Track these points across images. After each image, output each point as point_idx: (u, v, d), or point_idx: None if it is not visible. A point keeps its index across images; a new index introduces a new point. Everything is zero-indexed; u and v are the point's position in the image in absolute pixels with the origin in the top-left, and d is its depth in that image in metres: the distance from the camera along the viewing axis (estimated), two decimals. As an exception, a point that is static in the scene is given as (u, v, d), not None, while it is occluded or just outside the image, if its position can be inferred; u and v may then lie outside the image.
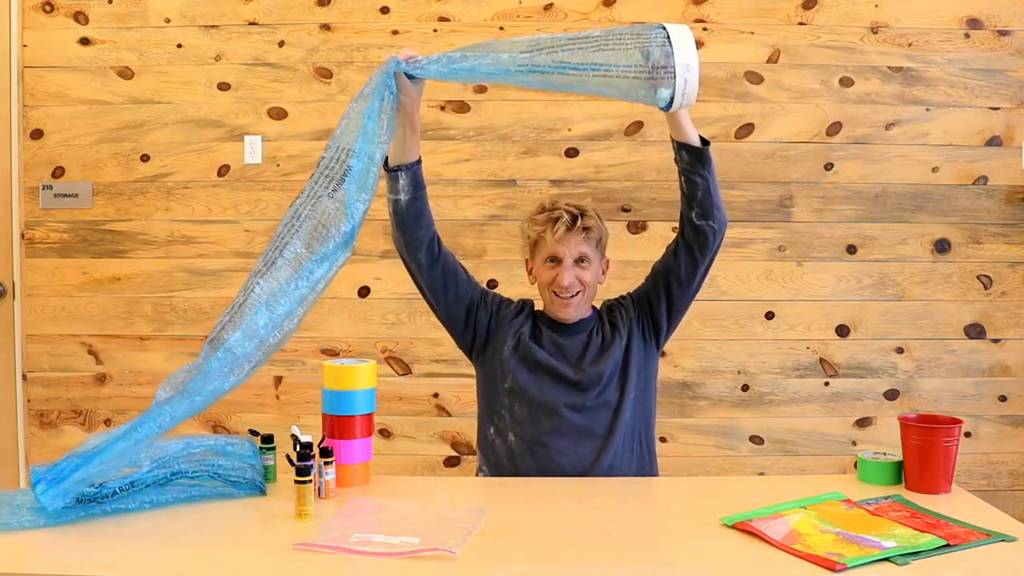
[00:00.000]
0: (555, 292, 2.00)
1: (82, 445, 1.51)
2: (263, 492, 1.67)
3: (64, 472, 1.47)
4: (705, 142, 1.88)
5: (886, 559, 1.33)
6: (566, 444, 1.95)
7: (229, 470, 1.66)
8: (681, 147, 1.88)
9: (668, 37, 1.59)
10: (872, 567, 1.32)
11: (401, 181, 1.89)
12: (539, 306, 2.11)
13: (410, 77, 1.71)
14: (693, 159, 1.87)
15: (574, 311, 2.01)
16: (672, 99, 1.61)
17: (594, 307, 2.11)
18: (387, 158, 1.89)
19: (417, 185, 1.91)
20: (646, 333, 2.05)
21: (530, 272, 2.09)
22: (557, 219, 1.97)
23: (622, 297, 2.11)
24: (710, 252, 1.97)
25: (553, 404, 1.97)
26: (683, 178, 1.91)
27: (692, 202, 1.92)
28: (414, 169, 1.90)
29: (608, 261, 2.09)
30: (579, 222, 1.98)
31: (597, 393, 1.98)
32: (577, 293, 1.99)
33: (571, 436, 1.95)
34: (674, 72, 1.58)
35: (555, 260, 2.00)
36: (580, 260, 1.99)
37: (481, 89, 3.05)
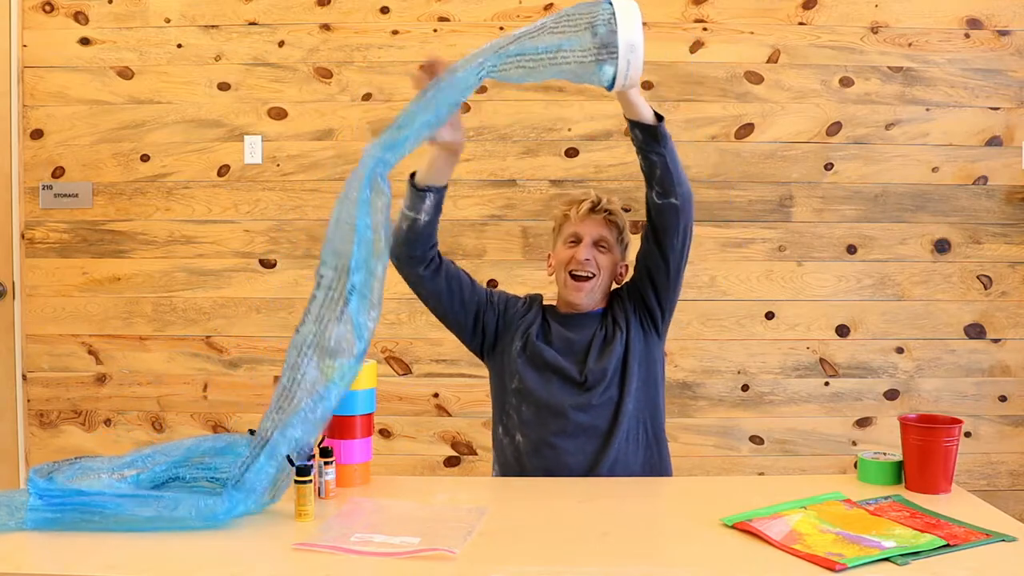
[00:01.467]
0: (571, 273, 2.00)
1: (93, 483, 1.50)
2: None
3: (64, 505, 1.46)
4: (660, 117, 1.83)
5: (886, 559, 1.33)
6: (572, 444, 1.94)
7: (227, 471, 1.65)
8: (634, 126, 1.83)
9: (613, 13, 1.54)
10: (872, 567, 1.31)
11: (427, 202, 1.88)
12: (548, 300, 2.11)
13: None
14: (647, 137, 1.83)
15: (586, 296, 2.01)
16: (614, 78, 1.57)
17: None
18: (415, 173, 1.89)
19: (438, 209, 1.91)
20: (643, 322, 2.03)
21: (550, 263, 2.09)
22: (582, 200, 2.02)
23: (619, 288, 2.11)
24: (678, 231, 1.93)
25: (559, 406, 1.96)
26: (640, 157, 1.88)
27: (652, 181, 1.89)
28: (442, 193, 1.90)
29: (627, 265, 2.08)
30: (602, 204, 2.02)
31: (602, 390, 1.96)
32: (592, 277, 1.99)
33: (577, 436, 1.95)
34: (617, 51, 1.54)
35: (575, 240, 2.01)
36: (600, 243, 2.00)
37: (481, 89, 3.04)
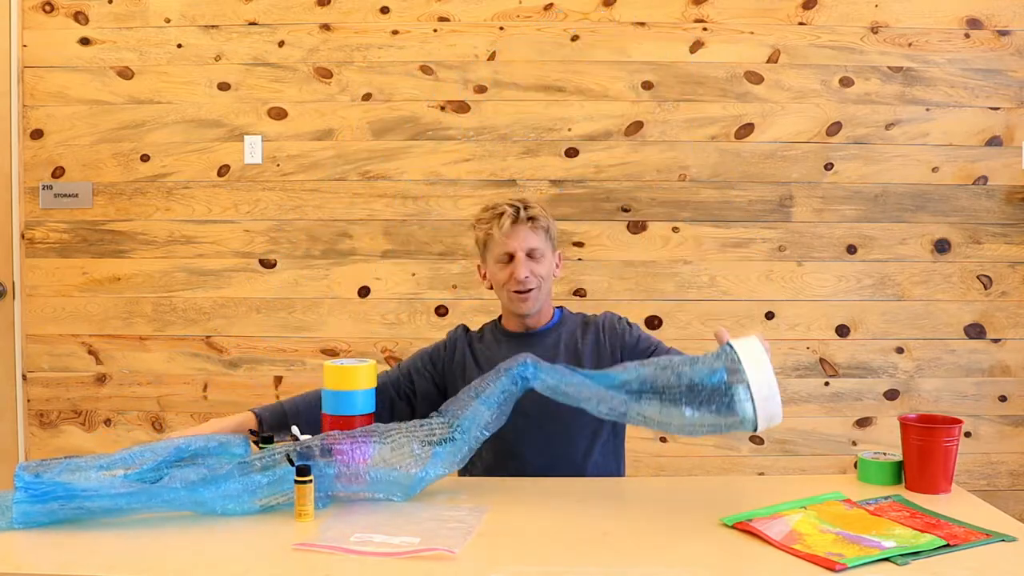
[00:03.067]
0: (513, 290, 1.96)
1: (79, 478, 1.49)
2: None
3: (48, 496, 1.46)
4: None
5: (886, 559, 1.33)
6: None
7: (220, 471, 1.64)
8: None
9: (745, 381, 1.48)
10: (872, 567, 1.32)
11: (295, 430, 1.77)
12: (487, 318, 2.09)
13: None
14: None
15: (533, 304, 1.97)
16: (756, 425, 1.52)
17: (560, 309, 2.07)
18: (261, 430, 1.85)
19: (313, 409, 1.84)
20: None
21: (484, 277, 2.04)
22: (502, 214, 1.94)
23: (627, 331, 2.02)
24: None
25: (516, 450, 1.91)
26: None
27: None
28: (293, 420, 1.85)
29: (560, 255, 2.06)
30: (523, 213, 1.94)
31: (560, 429, 1.91)
32: (534, 288, 1.96)
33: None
34: (754, 402, 1.49)
35: (508, 257, 1.96)
36: (531, 253, 1.95)
37: (481, 89, 3.05)
